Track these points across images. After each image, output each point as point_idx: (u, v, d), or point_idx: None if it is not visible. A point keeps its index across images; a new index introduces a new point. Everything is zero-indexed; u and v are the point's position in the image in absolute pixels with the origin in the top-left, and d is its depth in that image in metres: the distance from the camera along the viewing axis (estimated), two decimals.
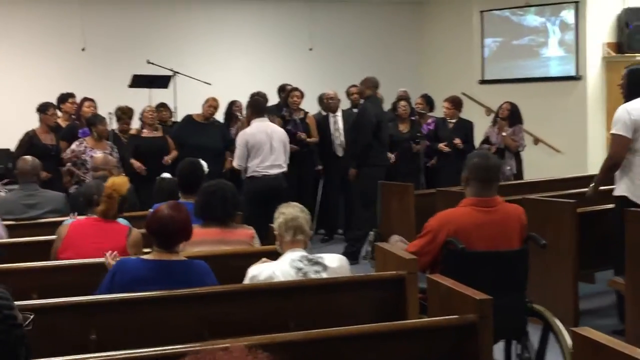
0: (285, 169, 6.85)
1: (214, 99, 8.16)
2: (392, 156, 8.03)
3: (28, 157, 5.70)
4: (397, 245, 3.87)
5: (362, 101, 7.99)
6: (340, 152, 8.46)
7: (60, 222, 4.54)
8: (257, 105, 7.04)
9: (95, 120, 7.18)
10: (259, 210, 5.95)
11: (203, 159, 5.78)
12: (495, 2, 11.63)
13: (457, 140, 8.21)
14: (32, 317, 1.80)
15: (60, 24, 10.57)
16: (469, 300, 2.74)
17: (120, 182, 4.39)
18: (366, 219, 7.36)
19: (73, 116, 8.02)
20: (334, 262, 3.48)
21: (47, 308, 3.02)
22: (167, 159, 7.64)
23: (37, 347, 2.88)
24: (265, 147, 6.68)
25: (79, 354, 2.64)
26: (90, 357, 2.60)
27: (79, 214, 4.75)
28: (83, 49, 10.19)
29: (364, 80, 7.71)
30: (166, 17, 11.24)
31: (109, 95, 8.57)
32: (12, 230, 5.05)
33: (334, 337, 2.75)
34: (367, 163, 7.51)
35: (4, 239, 4.68)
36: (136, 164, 7.53)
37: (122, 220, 4.47)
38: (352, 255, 6.88)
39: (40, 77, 10.25)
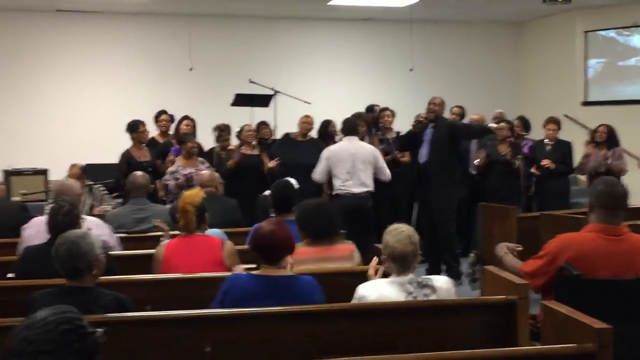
0: (369, 188, 6.87)
1: (306, 116, 8.24)
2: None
3: (139, 173, 5.92)
4: (506, 257, 3.81)
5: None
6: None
7: (171, 236, 4.67)
8: (347, 125, 7.12)
9: (185, 138, 7.43)
10: (347, 228, 5.96)
11: (296, 175, 5.88)
12: (601, 23, 11.36)
13: (547, 161, 8.05)
14: (104, 329, 1.89)
15: (170, 44, 11.02)
16: (588, 329, 2.66)
17: (192, 194, 4.46)
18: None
19: (170, 133, 8.27)
20: (443, 284, 3.46)
21: (166, 320, 3.14)
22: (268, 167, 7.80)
23: (155, 358, 3.03)
24: (345, 165, 6.77)
25: None
26: None
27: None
28: (190, 69, 10.53)
29: (441, 101, 7.55)
30: (268, 37, 11.54)
31: (213, 113, 8.83)
32: (123, 243, 5.23)
33: None
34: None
35: (117, 251, 4.86)
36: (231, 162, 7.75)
37: (217, 232, 4.57)
38: (457, 276, 6.97)
39: (149, 96, 10.68)
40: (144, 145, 7.80)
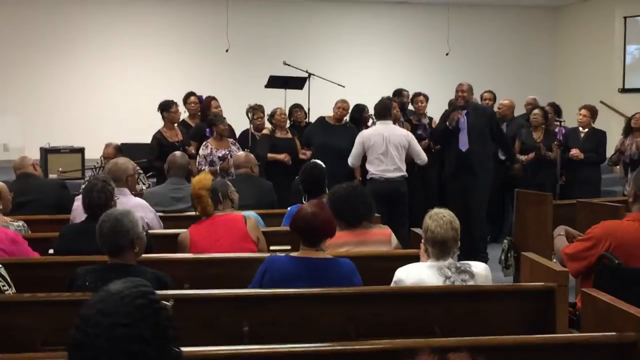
0: (403, 172, 6.87)
1: (343, 101, 8.15)
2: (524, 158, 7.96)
3: (178, 153, 5.98)
4: (558, 239, 3.81)
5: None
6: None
7: None
8: (380, 108, 7.09)
9: (215, 120, 7.39)
10: (380, 212, 5.95)
11: (329, 159, 5.89)
12: None
13: (575, 151, 7.94)
14: (172, 303, 1.91)
15: (207, 26, 11.07)
16: (630, 318, 2.64)
17: (201, 178, 4.47)
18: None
19: (199, 114, 8.28)
20: (481, 271, 3.45)
21: (205, 299, 3.17)
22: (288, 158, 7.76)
23: (194, 335, 3.07)
24: (379, 150, 6.77)
25: (233, 344, 2.76)
26: (245, 349, 2.71)
27: None
28: (227, 50, 10.56)
29: (469, 87, 7.47)
30: (303, 19, 11.53)
31: (248, 95, 8.85)
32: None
33: (484, 346, 2.72)
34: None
35: (157, 229, 4.90)
36: (279, 156, 7.71)
37: (251, 214, 4.59)
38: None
39: (186, 76, 10.76)
40: (175, 125, 7.77)
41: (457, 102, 7.44)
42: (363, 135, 6.98)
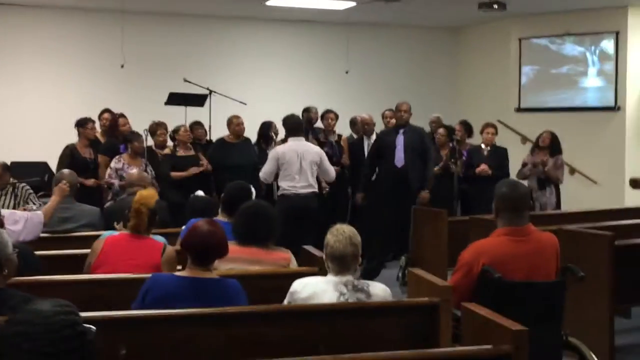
0: (315, 189, 6.90)
1: (237, 117, 8.20)
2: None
3: (65, 170, 5.79)
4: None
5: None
6: (373, 175, 8.44)
7: (95, 237, 4.54)
8: (291, 124, 7.09)
9: (132, 137, 7.41)
10: (290, 229, 5.94)
11: (240, 178, 5.85)
12: (534, 30, 11.57)
13: (484, 167, 8.14)
14: (94, 330, 1.83)
15: (101, 40, 10.73)
16: (505, 331, 2.68)
17: (147, 195, 4.36)
18: None
19: (107, 131, 8.25)
20: (379, 292, 3.43)
21: None
22: (196, 170, 7.74)
23: None
24: (294, 167, 6.77)
25: None
26: None
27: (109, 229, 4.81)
28: (122, 66, 10.28)
29: (408, 107, 7.76)
30: (203, 36, 11.38)
31: (146, 112, 8.68)
32: (46, 243, 5.09)
33: None
34: None
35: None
36: (183, 173, 7.70)
37: (159, 238, 4.47)
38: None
39: (78, 92, 10.45)
40: (88, 142, 7.80)
41: (400, 120, 7.75)
42: (277, 151, 6.95)
